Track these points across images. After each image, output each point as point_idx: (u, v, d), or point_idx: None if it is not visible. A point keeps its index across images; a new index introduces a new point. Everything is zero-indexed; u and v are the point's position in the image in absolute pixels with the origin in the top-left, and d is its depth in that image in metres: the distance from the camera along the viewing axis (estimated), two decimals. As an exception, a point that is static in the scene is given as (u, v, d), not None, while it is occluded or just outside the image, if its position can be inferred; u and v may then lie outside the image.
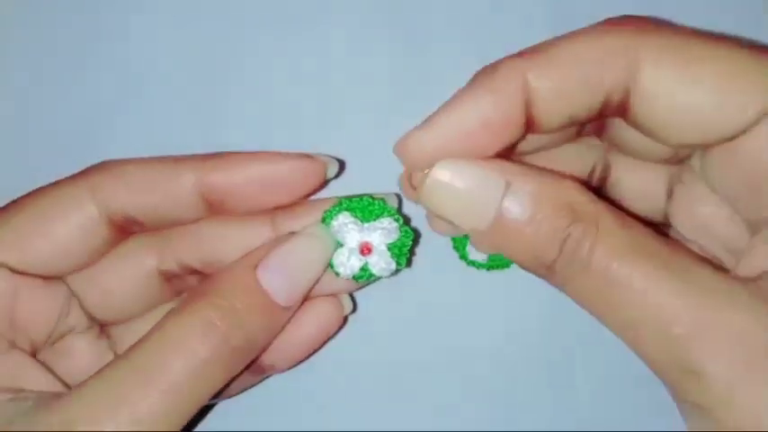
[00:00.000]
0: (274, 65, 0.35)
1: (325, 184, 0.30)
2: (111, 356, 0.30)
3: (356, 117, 0.35)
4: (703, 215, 0.26)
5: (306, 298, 0.28)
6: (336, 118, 0.35)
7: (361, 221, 0.29)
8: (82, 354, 0.29)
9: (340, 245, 0.28)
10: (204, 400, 0.25)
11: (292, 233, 0.29)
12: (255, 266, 0.26)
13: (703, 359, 0.20)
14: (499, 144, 0.24)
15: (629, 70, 0.22)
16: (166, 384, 0.23)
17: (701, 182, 0.26)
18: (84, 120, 0.35)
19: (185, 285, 0.31)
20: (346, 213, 0.28)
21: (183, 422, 0.24)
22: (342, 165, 0.33)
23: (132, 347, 0.25)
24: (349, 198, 0.29)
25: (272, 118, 0.35)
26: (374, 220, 0.29)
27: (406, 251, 0.29)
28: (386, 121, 0.35)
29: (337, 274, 0.29)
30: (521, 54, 0.24)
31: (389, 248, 0.29)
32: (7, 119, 0.35)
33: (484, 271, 0.34)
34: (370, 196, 0.29)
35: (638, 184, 0.29)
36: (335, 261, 0.28)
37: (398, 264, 0.29)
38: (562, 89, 0.23)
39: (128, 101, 0.35)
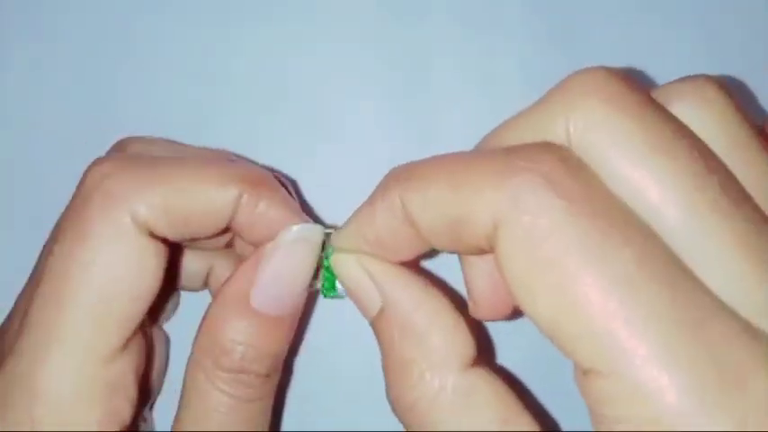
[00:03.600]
0: (274, 65, 0.35)
1: None
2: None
3: (356, 118, 0.35)
4: None
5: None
6: (334, 119, 0.35)
7: None
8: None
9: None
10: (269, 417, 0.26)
11: (272, 245, 0.26)
12: (248, 299, 0.25)
13: None
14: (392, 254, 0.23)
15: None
16: None
17: None
18: (83, 118, 0.35)
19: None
20: None
21: None
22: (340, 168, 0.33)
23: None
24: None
25: (270, 118, 0.35)
26: None
27: None
28: (386, 121, 0.35)
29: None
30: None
31: None
32: (7, 118, 0.35)
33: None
34: None
35: None
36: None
37: None
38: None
39: (126, 101, 0.35)
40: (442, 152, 0.32)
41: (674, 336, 0.17)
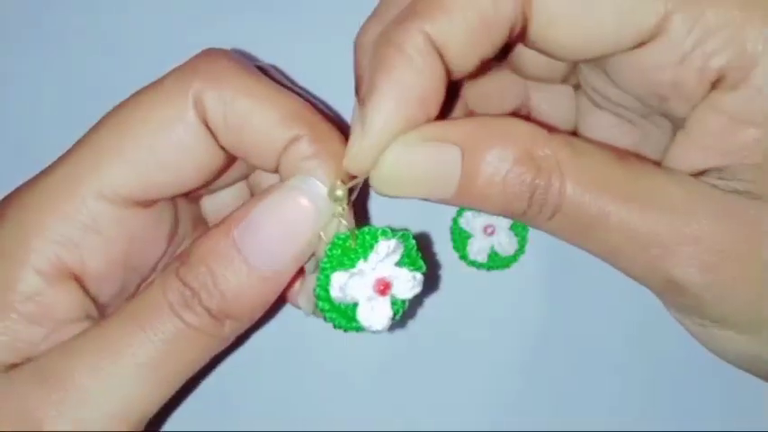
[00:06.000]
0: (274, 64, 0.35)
1: None
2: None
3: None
4: (597, 124, 0.30)
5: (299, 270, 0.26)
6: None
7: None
8: None
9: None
10: (181, 378, 0.25)
11: (275, 187, 0.25)
12: (232, 230, 0.24)
13: (678, 271, 0.23)
14: (434, 110, 0.24)
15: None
16: (133, 362, 0.24)
17: (587, 95, 0.29)
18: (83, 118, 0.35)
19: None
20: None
21: (159, 397, 0.25)
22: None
23: (108, 321, 0.25)
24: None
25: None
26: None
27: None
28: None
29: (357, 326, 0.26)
30: (414, 11, 0.23)
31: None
32: (8, 118, 0.35)
33: (484, 271, 0.34)
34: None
35: (551, 104, 0.30)
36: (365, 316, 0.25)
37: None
38: (467, 37, 0.23)
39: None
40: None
41: None
